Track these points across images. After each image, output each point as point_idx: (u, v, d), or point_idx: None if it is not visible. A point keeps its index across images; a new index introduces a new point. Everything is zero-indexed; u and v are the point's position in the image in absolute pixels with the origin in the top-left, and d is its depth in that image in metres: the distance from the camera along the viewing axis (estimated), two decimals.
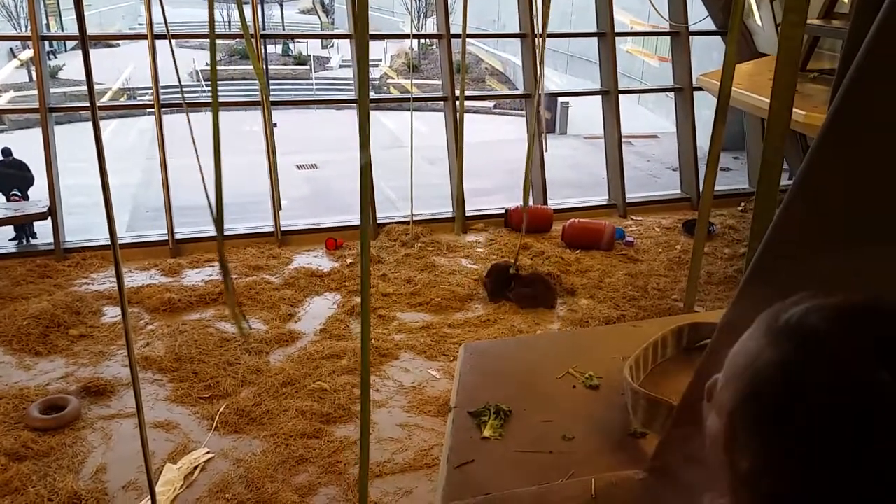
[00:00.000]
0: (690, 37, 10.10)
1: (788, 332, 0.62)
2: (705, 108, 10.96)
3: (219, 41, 24.83)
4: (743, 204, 10.04)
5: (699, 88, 9.41)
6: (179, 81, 4.41)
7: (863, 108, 1.71)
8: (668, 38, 10.67)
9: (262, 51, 11.38)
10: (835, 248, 1.63)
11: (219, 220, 3.17)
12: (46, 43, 10.05)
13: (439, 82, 11.04)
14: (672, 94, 10.63)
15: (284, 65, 24.13)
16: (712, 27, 10.29)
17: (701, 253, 4.74)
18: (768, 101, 6.82)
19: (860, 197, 1.70)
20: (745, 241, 8.73)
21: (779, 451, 0.60)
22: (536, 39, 8.94)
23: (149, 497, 3.54)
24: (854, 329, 0.59)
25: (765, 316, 0.65)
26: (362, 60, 2.30)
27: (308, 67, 23.69)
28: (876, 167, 1.72)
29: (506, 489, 1.97)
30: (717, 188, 4.99)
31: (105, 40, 24.10)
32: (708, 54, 12.26)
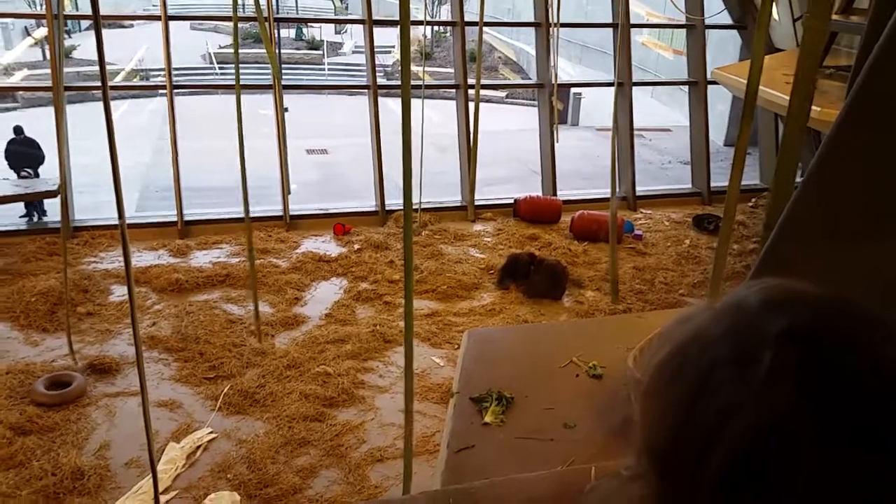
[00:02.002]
0: (706, 30, 10.01)
1: (728, 303, 0.63)
2: (719, 102, 10.89)
3: (231, 24, 24.86)
4: (754, 200, 9.97)
5: (714, 82, 9.33)
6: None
7: (879, 99, 1.69)
8: (684, 30, 10.57)
9: (276, 35, 11.37)
10: (845, 238, 1.61)
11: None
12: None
13: (451, 70, 10.99)
14: (686, 88, 10.54)
15: (297, 49, 24.07)
16: (728, 21, 10.19)
17: (726, 250, 4.67)
18: (782, 95, 6.76)
19: (873, 188, 1.67)
20: (754, 237, 8.67)
21: (665, 410, 0.61)
22: (551, 29, 8.88)
23: (151, 475, 3.56)
24: (771, 312, 0.59)
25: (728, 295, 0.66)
26: (404, 48, 2.29)
27: (321, 52, 23.63)
28: (890, 159, 1.70)
29: (505, 475, 1.97)
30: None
31: (118, 21, 24.11)
32: (723, 48, 12.15)
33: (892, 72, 1.90)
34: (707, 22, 9.90)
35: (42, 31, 15.82)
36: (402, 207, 9.54)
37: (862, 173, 1.90)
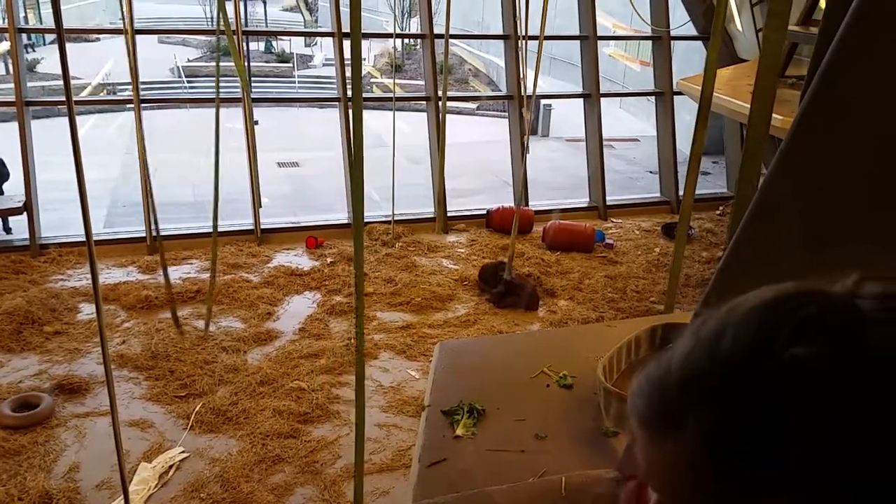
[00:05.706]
0: (672, 41, 10.19)
1: (722, 317, 0.65)
2: (685, 112, 11.07)
3: (201, 37, 24.68)
4: (721, 208, 10.15)
5: (679, 93, 9.49)
6: None
7: (830, 105, 1.74)
8: (650, 42, 10.75)
9: (245, 48, 11.33)
10: (801, 241, 1.65)
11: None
12: (24, 36, 9.91)
13: (422, 82, 11.03)
14: (653, 98, 10.71)
15: (267, 62, 23.99)
16: (693, 32, 10.39)
17: (681, 256, 4.77)
18: (747, 105, 6.92)
19: (826, 192, 1.73)
20: (722, 244, 8.82)
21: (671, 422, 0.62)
22: (521, 42, 8.97)
23: (122, 496, 3.50)
24: (774, 309, 0.61)
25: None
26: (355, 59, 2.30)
27: (291, 65, 23.57)
28: (844, 166, 1.75)
29: (477, 487, 1.98)
30: (696, 192, 5.03)
31: (83, 34, 23.82)
32: (689, 59, 12.37)
33: (841, 79, 1.96)
34: (673, 33, 10.08)
35: (4, 46, 15.56)
36: (374, 220, 9.46)
37: (815, 177, 1.95)
